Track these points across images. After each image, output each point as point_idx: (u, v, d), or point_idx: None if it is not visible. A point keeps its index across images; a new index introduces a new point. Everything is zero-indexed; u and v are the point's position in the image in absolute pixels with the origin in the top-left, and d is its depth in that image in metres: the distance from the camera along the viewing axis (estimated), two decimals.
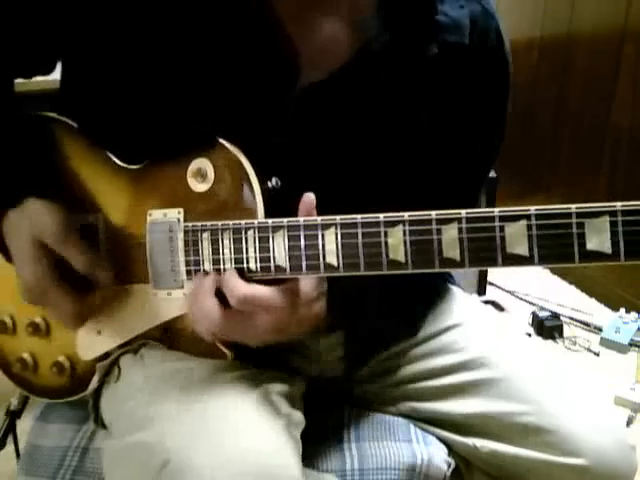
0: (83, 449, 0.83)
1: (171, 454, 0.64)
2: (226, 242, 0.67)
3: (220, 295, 0.66)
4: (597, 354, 1.98)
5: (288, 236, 0.63)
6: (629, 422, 1.65)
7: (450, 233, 0.57)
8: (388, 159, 0.78)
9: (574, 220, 0.52)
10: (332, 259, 0.62)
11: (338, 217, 0.61)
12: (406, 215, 0.58)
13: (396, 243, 0.59)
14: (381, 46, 0.74)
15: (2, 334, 0.85)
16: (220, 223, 0.67)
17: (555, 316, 2.11)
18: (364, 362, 0.88)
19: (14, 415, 0.92)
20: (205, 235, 0.68)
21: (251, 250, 0.65)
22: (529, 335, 2.07)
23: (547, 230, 0.53)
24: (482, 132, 0.84)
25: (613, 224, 0.51)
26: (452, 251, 0.57)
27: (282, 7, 0.71)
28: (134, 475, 0.68)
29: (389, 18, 0.74)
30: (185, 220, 0.70)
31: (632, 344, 1.97)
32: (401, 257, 0.59)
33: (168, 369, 0.75)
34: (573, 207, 0.52)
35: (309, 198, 0.63)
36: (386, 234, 0.59)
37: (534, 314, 2.12)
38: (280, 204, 0.67)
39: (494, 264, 0.56)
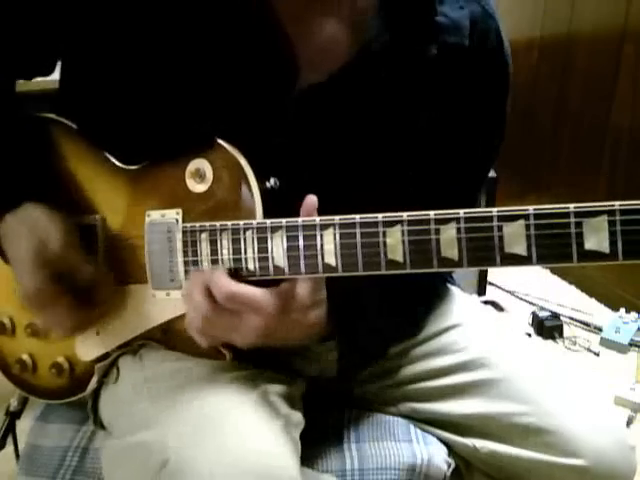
0: (83, 449, 0.83)
1: (170, 454, 0.64)
2: (225, 243, 0.67)
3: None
4: (597, 354, 1.98)
5: (287, 236, 0.63)
6: (629, 422, 1.65)
7: (448, 233, 0.57)
8: (388, 159, 0.78)
9: (572, 220, 0.52)
10: (331, 259, 0.62)
11: (337, 217, 0.61)
12: (404, 215, 0.58)
13: (394, 243, 0.59)
14: (381, 47, 0.74)
15: (1, 335, 0.85)
16: (219, 223, 0.67)
17: (555, 316, 2.11)
18: (363, 366, 0.88)
19: (14, 416, 0.92)
20: (204, 236, 0.68)
21: (250, 250, 0.65)
22: (529, 335, 2.06)
23: (545, 230, 0.53)
24: (482, 132, 0.83)
25: (611, 224, 0.51)
26: (450, 251, 0.57)
27: (282, 7, 0.71)
28: (133, 475, 0.69)
29: (389, 19, 0.74)
30: (184, 221, 0.70)
31: (632, 344, 1.97)
32: (400, 257, 0.59)
33: (167, 369, 0.75)
34: (571, 207, 0.52)
35: (311, 200, 0.63)
36: (384, 234, 0.59)
37: (534, 314, 2.12)
38: (279, 204, 0.67)
39: (492, 264, 0.56)
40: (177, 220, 0.71)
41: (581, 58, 2.40)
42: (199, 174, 0.70)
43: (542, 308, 2.17)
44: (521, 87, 2.60)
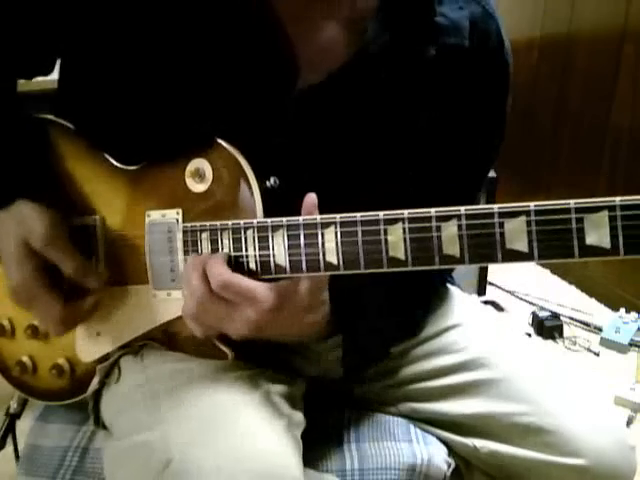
0: (83, 449, 0.83)
1: (173, 454, 0.64)
2: (225, 242, 0.67)
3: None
4: (597, 354, 1.98)
5: (288, 235, 0.63)
6: (629, 422, 1.65)
7: (450, 230, 0.57)
8: (388, 159, 0.78)
9: (573, 215, 0.52)
10: (332, 258, 0.61)
11: (338, 215, 0.61)
12: (406, 212, 0.58)
13: (396, 240, 0.59)
14: (380, 48, 0.74)
15: (1, 337, 0.84)
16: (219, 223, 0.67)
17: (555, 316, 2.11)
18: (366, 367, 0.88)
19: (14, 417, 0.92)
20: (204, 235, 0.68)
21: (251, 250, 0.65)
22: (529, 335, 2.07)
23: (546, 226, 0.53)
24: (482, 132, 0.83)
25: (612, 219, 0.51)
26: (452, 248, 0.57)
27: (282, 8, 0.71)
28: (136, 475, 0.68)
29: (388, 20, 0.74)
30: (184, 220, 0.70)
31: (632, 344, 1.97)
32: (401, 254, 0.59)
33: (168, 370, 0.75)
34: (572, 202, 0.52)
35: (311, 198, 0.63)
36: (386, 232, 0.59)
37: (534, 314, 2.12)
38: (279, 204, 0.67)
39: (494, 260, 0.56)
40: (177, 220, 0.71)
41: (581, 58, 2.40)
42: (199, 174, 0.70)
43: (542, 308, 2.17)
44: (521, 87, 2.60)
